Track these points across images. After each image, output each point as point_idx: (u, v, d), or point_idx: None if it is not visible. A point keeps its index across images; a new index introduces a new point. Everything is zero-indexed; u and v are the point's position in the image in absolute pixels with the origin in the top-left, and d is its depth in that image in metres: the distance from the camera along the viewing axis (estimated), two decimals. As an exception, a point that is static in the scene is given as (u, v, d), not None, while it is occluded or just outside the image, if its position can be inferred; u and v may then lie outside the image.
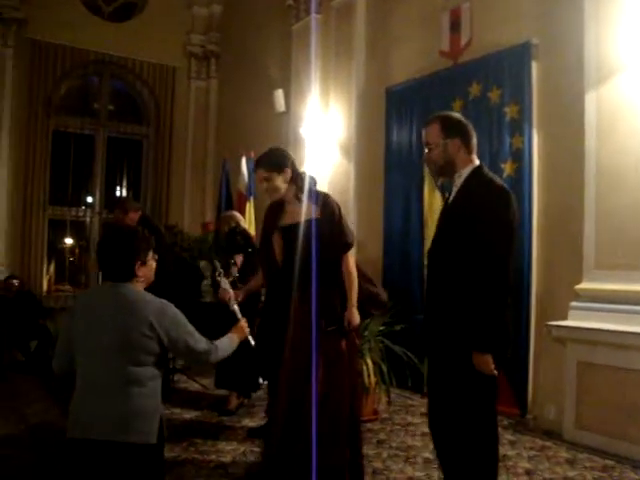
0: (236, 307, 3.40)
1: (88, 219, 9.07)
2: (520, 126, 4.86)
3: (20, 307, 7.28)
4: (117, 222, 5.32)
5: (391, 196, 6.17)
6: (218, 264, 4.24)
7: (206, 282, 6.47)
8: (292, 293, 3.33)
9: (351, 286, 3.36)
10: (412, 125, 5.84)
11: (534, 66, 4.80)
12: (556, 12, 4.67)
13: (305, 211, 3.39)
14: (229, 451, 3.96)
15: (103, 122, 9.20)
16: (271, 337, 3.49)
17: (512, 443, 4.25)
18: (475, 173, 2.70)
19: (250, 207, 7.33)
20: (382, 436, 4.40)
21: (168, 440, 4.02)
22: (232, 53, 9.29)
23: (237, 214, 5.56)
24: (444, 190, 2.89)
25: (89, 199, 9.12)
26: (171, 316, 2.40)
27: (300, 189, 3.44)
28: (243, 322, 2.87)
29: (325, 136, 6.86)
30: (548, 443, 4.25)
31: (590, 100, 4.31)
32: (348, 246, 3.38)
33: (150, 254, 2.51)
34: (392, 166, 6.18)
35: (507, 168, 4.90)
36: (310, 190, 3.45)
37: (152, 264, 2.53)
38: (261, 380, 4.51)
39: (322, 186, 6.09)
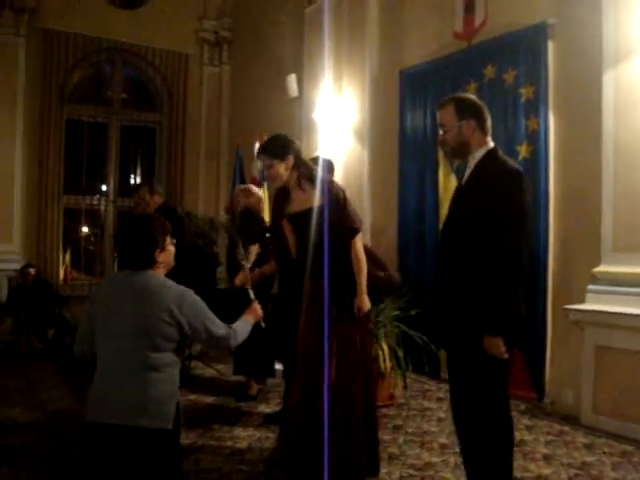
0: (251, 291, 3.40)
1: (103, 207, 9.09)
2: (536, 108, 4.79)
3: (37, 296, 7.34)
4: (141, 202, 5.32)
5: (406, 180, 6.12)
6: (242, 249, 4.23)
7: (220, 269, 6.47)
8: (303, 281, 3.32)
9: (360, 272, 3.33)
10: (426, 108, 5.77)
11: (550, 46, 4.71)
12: (573, -10, 4.58)
13: (309, 198, 3.37)
14: (245, 437, 3.97)
15: (116, 110, 9.18)
16: (285, 322, 3.49)
17: (529, 428, 4.22)
18: (489, 155, 2.67)
19: (264, 192, 7.31)
20: (398, 421, 4.39)
21: (184, 426, 4.04)
22: (245, 38, 9.22)
23: (254, 188, 5.32)
24: (459, 173, 2.85)
25: (103, 187, 9.14)
26: (191, 302, 2.41)
27: (303, 176, 3.41)
28: (256, 304, 2.86)
29: (338, 121, 6.79)
30: (566, 428, 4.22)
31: (608, 80, 4.23)
32: (355, 231, 3.35)
33: (168, 239, 2.51)
34: (406, 150, 6.12)
35: (523, 150, 4.83)
36: (313, 177, 3.42)
37: (171, 249, 2.53)
38: (277, 366, 4.54)
39: (336, 171, 6.05)
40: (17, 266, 7.83)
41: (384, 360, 4.60)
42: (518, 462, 3.48)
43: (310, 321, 3.30)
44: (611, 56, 4.21)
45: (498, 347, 2.50)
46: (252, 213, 4.95)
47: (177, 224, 5.38)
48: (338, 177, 6.28)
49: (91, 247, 9.50)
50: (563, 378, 4.61)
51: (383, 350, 4.63)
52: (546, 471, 3.47)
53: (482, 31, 5.33)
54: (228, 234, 5.81)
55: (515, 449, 3.51)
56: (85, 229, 9.39)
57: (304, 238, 3.36)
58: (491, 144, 2.71)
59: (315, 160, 4.30)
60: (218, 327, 2.50)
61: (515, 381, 4.51)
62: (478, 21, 5.38)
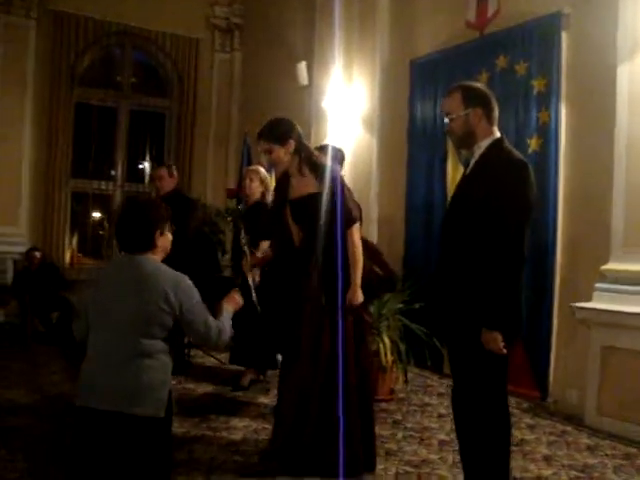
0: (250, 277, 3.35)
1: (110, 192, 9.06)
2: (547, 100, 4.68)
3: (42, 279, 7.33)
4: (157, 181, 5.37)
5: (414, 171, 6.03)
6: (245, 234, 4.17)
7: (228, 256, 6.41)
8: (299, 270, 3.26)
9: (355, 264, 3.24)
10: (436, 98, 5.66)
11: (564, 37, 4.59)
12: (589, -21, 4.46)
13: (308, 184, 3.29)
14: (241, 428, 3.92)
15: (126, 94, 9.14)
16: (281, 312, 3.44)
17: (531, 427, 4.14)
18: (494, 145, 2.59)
19: (271, 181, 7.24)
20: (397, 416, 4.33)
21: (180, 415, 4.04)
22: (256, 25, 9.13)
23: (262, 170, 5.11)
24: (466, 164, 2.77)
25: (112, 172, 9.10)
26: (186, 288, 2.39)
27: (304, 161, 3.33)
28: (235, 292, 2.77)
29: (348, 109, 6.70)
30: (568, 428, 4.13)
31: (622, 73, 4.12)
32: (351, 221, 3.27)
33: (168, 225, 2.50)
34: (415, 140, 6.03)
35: (533, 143, 4.73)
36: (313, 162, 3.34)
37: (169, 235, 2.51)
38: (279, 357, 4.47)
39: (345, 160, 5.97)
40: (23, 249, 7.82)
41: (385, 354, 4.53)
42: (518, 462, 3.40)
43: (308, 313, 3.24)
44: (626, 48, 4.09)
45: (496, 342, 2.43)
46: (263, 206, 4.85)
47: (189, 207, 5.44)
48: (346, 166, 6.20)
49: (101, 232, 9.49)
50: (568, 377, 4.52)
51: (384, 344, 4.55)
52: (546, 472, 3.39)
53: (495, 20, 5.22)
54: (233, 220, 5.73)
55: (515, 448, 3.49)
56: (93, 214, 9.37)
57: (302, 225, 3.30)
58: (497, 134, 2.62)
59: (324, 148, 4.21)
60: (211, 319, 2.45)
61: (518, 379, 4.46)
62: (491, 10, 5.26)
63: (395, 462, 3.47)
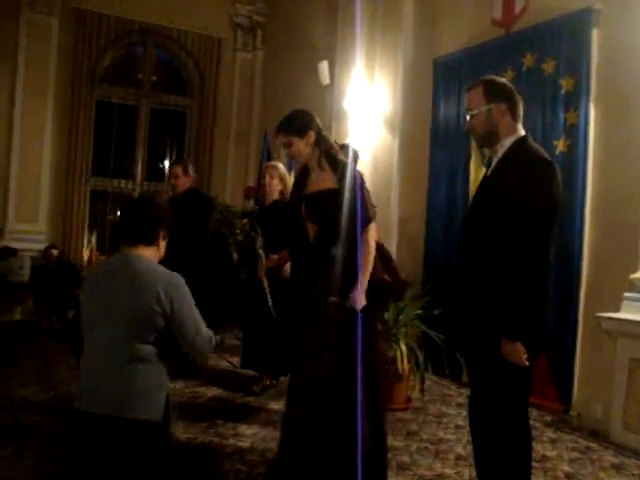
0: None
1: (130, 191, 9.02)
2: (576, 100, 4.47)
3: (58, 276, 7.30)
4: (173, 179, 5.29)
5: (436, 173, 5.86)
6: (261, 237, 4.04)
7: (236, 257, 6.32)
8: (310, 267, 3.13)
9: (364, 265, 3.06)
10: (460, 98, 5.48)
11: (594, 34, 4.39)
12: (622, -27, 4.26)
13: (326, 179, 3.15)
14: (249, 435, 3.78)
15: (147, 93, 9.10)
16: (295, 313, 3.31)
17: (553, 442, 3.95)
18: (518, 144, 2.43)
19: (291, 180, 7.13)
20: (413, 427, 4.16)
21: (187, 420, 3.94)
22: (278, 24, 9.04)
23: (281, 166, 4.90)
24: (489, 165, 2.62)
25: (131, 171, 9.06)
26: (179, 288, 2.33)
27: (324, 154, 3.19)
28: None
29: (369, 110, 6.57)
30: (593, 444, 3.93)
31: (656, 72, 3.92)
32: (367, 220, 3.12)
33: (166, 231, 2.47)
34: (438, 141, 5.86)
35: (560, 145, 4.53)
36: (332, 156, 3.20)
37: (164, 245, 2.48)
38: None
39: (365, 161, 5.83)
40: (41, 246, 7.81)
41: (402, 361, 4.37)
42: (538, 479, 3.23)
43: (315, 313, 3.11)
44: (661, 46, 3.89)
45: (517, 353, 2.26)
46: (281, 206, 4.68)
47: (207, 207, 5.36)
48: (366, 167, 6.07)
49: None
50: (592, 390, 4.31)
51: (401, 351, 4.39)
52: (568, 492, 3.22)
53: (522, 18, 5.03)
54: (249, 221, 5.59)
55: (536, 465, 3.30)
56: (113, 212, 9.35)
57: (316, 222, 3.17)
58: (522, 132, 2.47)
59: (344, 147, 4.07)
60: (202, 324, 2.39)
61: (540, 390, 4.27)
62: (518, 7, 5.07)
63: (408, 476, 3.32)
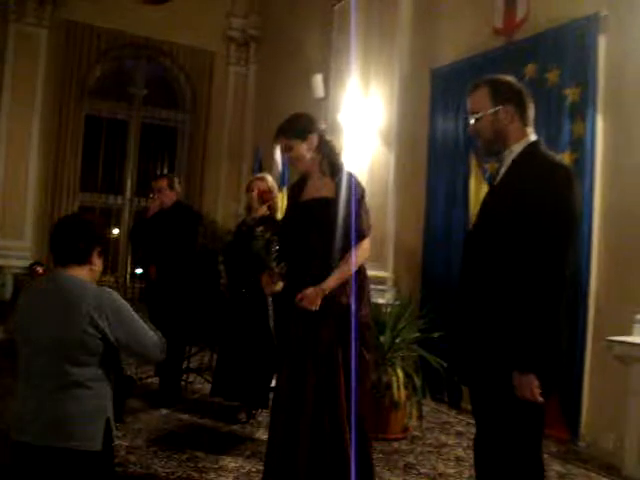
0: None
1: (120, 207, 8.78)
2: (582, 111, 4.25)
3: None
4: (157, 193, 5.05)
5: (434, 188, 5.62)
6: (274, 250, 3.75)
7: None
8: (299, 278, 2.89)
9: (341, 272, 2.83)
10: (459, 110, 5.25)
11: (601, 42, 4.17)
12: (630, -22, 4.05)
13: (325, 187, 2.92)
14: (232, 469, 3.47)
15: (137, 107, 8.90)
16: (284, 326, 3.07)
17: (561, 476, 3.66)
18: (529, 149, 2.16)
19: (283, 197, 6.89)
20: (410, 459, 3.86)
21: (166, 450, 3.64)
22: (272, 37, 8.87)
23: (269, 178, 4.64)
24: (492, 180, 2.35)
25: (121, 186, 8.81)
26: (111, 304, 2.22)
27: (326, 158, 2.97)
28: None
29: (365, 123, 6.33)
30: (604, 479, 3.64)
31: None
32: (360, 235, 2.87)
33: (102, 248, 2.34)
34: (436, 155, 5.62)
35: (566, 158, 4.24)
36: (335, 163, 2.98)
37: (101, 261, 2.35)
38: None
39: (360, 176, 5.57)
40: (26, 263, 7.55)
41: (398, 388, 4.09)
42: (547, 520, 2.93)
43: (294, 325, 2.88)
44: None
45: (530, 387, 1.97)
46: (270, 222, 4.41)
47: (194, 221, 5.11)
48: (362, 182, 5.81)
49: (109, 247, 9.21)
50: (603, 419, 4.03)
51: (398, 377, 4.11)
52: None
53: (524, 26, 4.82)
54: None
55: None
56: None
57: (305, 231, 2.92)
58: (533, 136, 2.20)
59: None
60: (148, 330, 2.29)
61: (546, 418, 3.98)
62: (520, 15, 4.87)
63: (406, 516, 3.03)
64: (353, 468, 2.74)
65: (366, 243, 2.94)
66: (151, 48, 8.78)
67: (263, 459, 3.51)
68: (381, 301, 5.26)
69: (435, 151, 5.65)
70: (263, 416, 4.40)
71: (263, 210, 4.49)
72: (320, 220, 2.90)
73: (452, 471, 3.68)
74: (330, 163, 2.98)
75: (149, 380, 5.17)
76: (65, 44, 8.22)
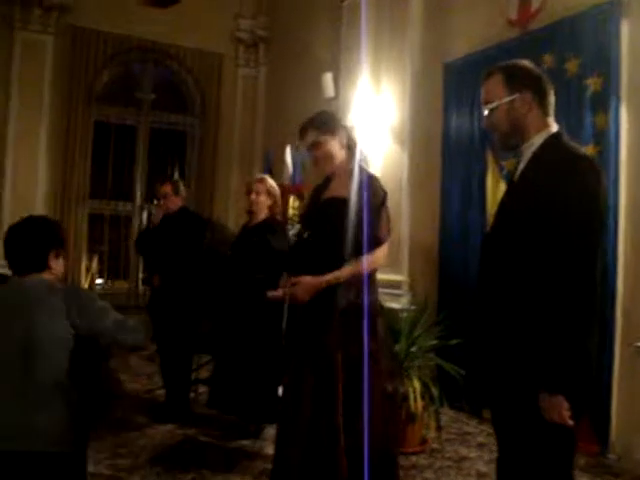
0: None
1: (129, 213, 8.65)
2: (604, 102, 4.01)
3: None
4: (162, 198, 4.88)
5: (449, 187, 5.41)
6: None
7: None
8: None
9: (347, 270, 2.64)
10: (473, 105, 5.02)
11: (624, 28, 3.93)
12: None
13: (342, 187, 2.72)
14: (239, 490, 3.30)
15: (146, 112, 8.76)
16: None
17: (592, 493, 3.43)
18: (551, 141, 1.94)
19: (294, 202, 6.71)
20: (429, 475, 3.65)
21: (171, 470, 3.45)
22: (281, 38, 8.70)
23: (269, 180, 4.45)
24: (513, 173, 2.13)
25: (130, 193, 8.69)
26: (85, 299, 2.23)
27: (353, 157, 2.79)
28: None
29: (376, 122, 6.13)
30: (638, 495, 3.41)
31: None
32: (376, 242, 2.67)
33: (64, 249, 2.34)
34: (450, 153, 5.41)
35: (588, 152, 4.05)
36: (358, 165, 2.77)
37: (62, 261, 2.33)
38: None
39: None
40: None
41: (414, 399, 3.87)
42: None
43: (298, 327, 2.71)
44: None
45: (558, 409, 1.76)
46: (273, 227, 4.23)
47: (200, 227, 4.94)
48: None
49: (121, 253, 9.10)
50: (634, 429, 3.79)
51: (414, 388, 3.90)
52: None
53: (539, 16, 4.59)
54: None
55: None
56: (112, 236, 8.98)
57: (318, 228, 2.74)
58: (554, 127, 1.98)
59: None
60: (123, 318, 2.26)
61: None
62: (535, 5, 4.64)
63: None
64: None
65: (381, 250, 2.73)
66: (158, 52, 8.64)
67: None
68: (396, 306, 5.04)
69: (449, 148, 5.43)
70: (272, 430, 4.20)
71: (264, 214, 4.30)
72: (334, 220, 2.70)
73: (473, 488, 3.46)
74: (356, 163, 2.78)
75: (158, 392, 4.99)
76: (71, 50, 8.10)
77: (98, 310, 2.23)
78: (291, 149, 6.74)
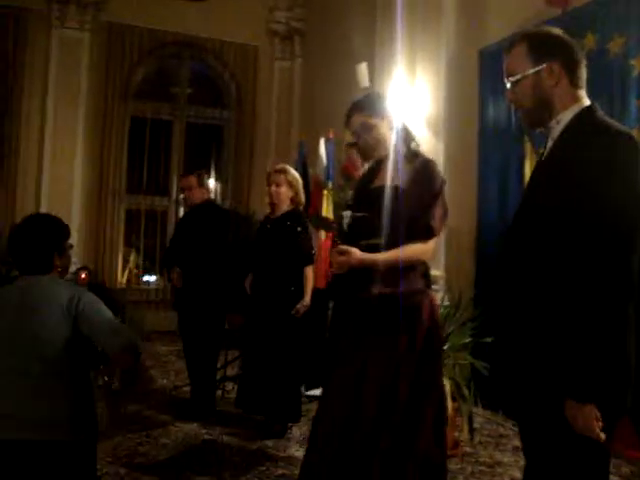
0: None
1: (165, 208, 8.65)
2: (651, 83, 3.75)
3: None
4: (187, 190, 4.76)
5: (487, 176, 5.20)
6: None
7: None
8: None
9: (393, 255, 2.43)
10: (511, 92, 4.79)
11: (672, 3, 3.67)
12: None
13: (395, 175, 2.51)
14: (258, 494, 3.16)
15: (182, 107, 8.75)
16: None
17: (636, 505, 3.19)
18: (583, 116, 1.72)
19: (328, 196, 6.54)
20: (460, 480, 3.46)
21: (189, 472, 3.34)
22: (316, 29, 8.57)
23: (290, 170, 4.29)
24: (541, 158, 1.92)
25: (166, 188, 8.68)
26: (88, 301, 2.22)
27: (404, 142, 2.59)
28: None
29: (411, 112, 5.92)
30: (688, 508, 3.15)
31: None
32: (429, 231, 2.46)
33: (67, 243, 2.36)
34: (488, 141, 5.19)
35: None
36: (410, 150, 2.59)
37: (69, 254, 2.38)
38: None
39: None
40: (73, 268, 7.47)
41: (445, 399, 3.67)
42: None
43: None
44: None
45: (588, 420, 1.55)
46: (296, 220, 4.10)
47: (224, 220, 4.84)
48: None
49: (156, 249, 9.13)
50: (683, 435, 3.52)
51: (446, 388, 3.70)
52: None
53: (581, -6, 4.33)
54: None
55: None
56: (148, 231, 9.00)
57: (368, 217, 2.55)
58: (586, 101, 1.76)
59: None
60: (121, 325, 2.32)
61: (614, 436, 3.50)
62: (576, -18, 4.38)
63: None
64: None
65: (432, 242, 2.52)
66: (194, 46, 8.64)
67: (294, 480, 3.21)
68: (430, 302, 4.84)
69: (486, 137, 5.21)
70: (297, 430, 4.06)
71: (286, 205, 4.16)
72: (386, 210, 2.49)
73: (507, 496, 3.26)
74: (408, 148, 2.59)
75: (184, 389, 4.91)
76: (107, 46, 8.18)
77: (98, 312, 2.24)
78: (325, 141, 6.59)
